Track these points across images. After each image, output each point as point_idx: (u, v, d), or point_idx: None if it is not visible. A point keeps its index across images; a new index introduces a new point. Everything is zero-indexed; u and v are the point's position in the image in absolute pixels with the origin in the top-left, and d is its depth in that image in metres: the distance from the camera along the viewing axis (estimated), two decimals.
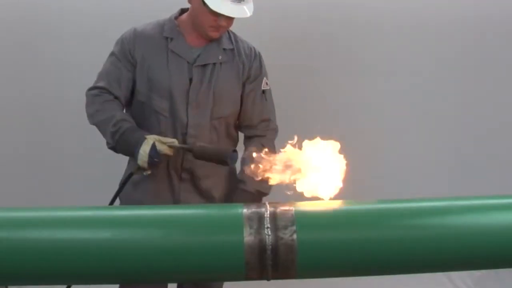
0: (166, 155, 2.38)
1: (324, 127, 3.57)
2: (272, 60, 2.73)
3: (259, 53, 2.64)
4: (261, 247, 1.62)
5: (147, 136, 2.38)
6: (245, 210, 1.68)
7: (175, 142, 2.39)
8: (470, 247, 1.69)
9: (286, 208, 1.69)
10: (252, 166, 1.92)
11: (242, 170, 2.40)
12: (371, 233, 1.69)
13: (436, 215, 1.72)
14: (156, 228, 1.69)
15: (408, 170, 3.67)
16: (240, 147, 2.61)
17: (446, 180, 3.61)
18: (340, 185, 1.86)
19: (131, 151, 2.42)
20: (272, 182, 1.89)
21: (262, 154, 1.92)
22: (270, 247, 1.62)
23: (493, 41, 3.63)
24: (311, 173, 1.85)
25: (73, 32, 3.37)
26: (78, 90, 3.29)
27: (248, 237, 1.63)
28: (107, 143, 2.48)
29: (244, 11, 2.46)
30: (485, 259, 1.73)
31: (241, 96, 2.58)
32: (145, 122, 2.52)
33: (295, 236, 1.63)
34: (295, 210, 1.68)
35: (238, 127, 2.66)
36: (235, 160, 2.37)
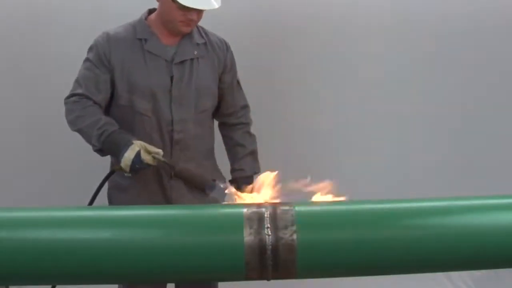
0: (148, 164, 2.41)
1: (323, 127, 3.60)
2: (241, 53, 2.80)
3: (228, 43, 2.72)
4: (261, 247, 1.62)
5: (134, 142, 2.41)
6: (245, 210, 1.68)
7: (160, 153, 2.43)
8: (470, 247, 1.68)
9: (286, 208, 1.69)
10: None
11: (236, 161, 2.71)
12: (371, 233, 1.69)
13: (436, 215, 1.72)
14: (156, 228, 1.69)
15: (408, 170, 3.66)
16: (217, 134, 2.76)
17: (446, 180, 3.61)
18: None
19: (117, 153, 2.44)
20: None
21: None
22: (270, 247, 1.62)
23: (493, 41, 3.63)
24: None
25: (73, 31, 3.37)
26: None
27: (248, 237, 1.63)
28: (93, 146, 2.50)
29: (212, 3, 2.52)
30: (485, 259, 1.73)
31: (219, 88, 2.67)
32: (128, 125, 2.54)
33: (295, 236, 1.63)
34: (295, 210, 1.68)
35: (219, 116, 2.76)
36: (212, 190, 2.42)
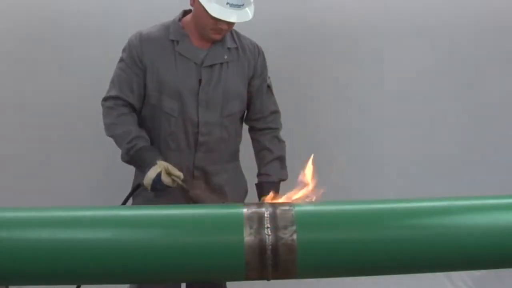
0: (168, 186, 2.47)
1: (324, 127, 3.61)
2: (271, 59, 2.79)
3: (261, 48, 2.72)
4: (261, 247, 1.62)
5: (158, 162, 2.47)
6: (245, 210, 1.68)
7: (180, 177, 2.48)
8: (470, 247, 1.68)
9: (286, 208, 1.69)
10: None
11: (263, 165, 2.68)
12: (371, 233, 1.68)
13: (436, 215, 1.72)
14: (156, 228, 1.69)
15: (408, 170, 3.67)
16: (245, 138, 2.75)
17: (446, 180, 3.61)
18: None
19: (142, 169, 2.52)
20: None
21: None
22: (270, 247, 1.62)
23: (493, 41, 3.63)
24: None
25: (74, 32, 3.37)
26: (78, 90, 3.31)
27: (248, 237, 1.63)
28: (122, 157, 2.58)
29: (243, 15, 2.51)
30: (485, 259, 1.73)
31: (248, 92, 2.67)
32: (156, 124, 2.59)
33: (295, 236, 1.63)
34: (295, 210, 1.68)
35: (247, 120, 2.76)
36: None
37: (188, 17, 2.62)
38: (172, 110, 2.56)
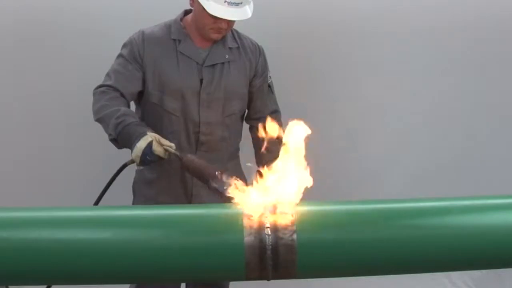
0: (159, 157, 2.37)
1: (324, 127, 3.60)
2: (271, 58, 2.79)
3: (262, 48, 2.72)
4: (261, 247, 1.62)
5: (148, 133, 2.39)
6: (245, 210, 1.68)
7: (172, 147, 2.39)
8: (470, 247, 1.68)
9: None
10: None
11: (262, 165, 2.49)
12: (371, 233, 1.68)
13: (436, 215, 1.72)
14: (156, 228, 1.69)
15: (408, 170, 3.67)
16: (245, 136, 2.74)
17: (446, 180, 3.61)
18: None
19: (130, 143, 2.40)
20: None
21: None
22: (270, 247, 1.62)
23: (493, 41, 3.63)
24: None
25: (73, 31, 3.37)
26: (78, 90, 3.30)
27: (248, 237, 1.63)
28: (109, 135, 2.47)
29: (242, 13, 2.51)
30: (485, 259, 1.73)
31: (249, 92, 2.67)
32: (157, 123, 2.57)
33: (295, 236, 1.63)
34: (295, 210, 1.68)
35: (248, 120, 2.76)
36: (216, 182, 2.37)
37: (189, 17, 2.63)
38: (173, 110, 2.56)
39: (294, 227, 1.64)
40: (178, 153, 2.40)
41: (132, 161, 2.40)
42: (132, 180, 2.72)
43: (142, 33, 2.60)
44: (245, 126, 2.81)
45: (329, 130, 3.60)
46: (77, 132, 3.41)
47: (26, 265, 1.63)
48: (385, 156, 3.66)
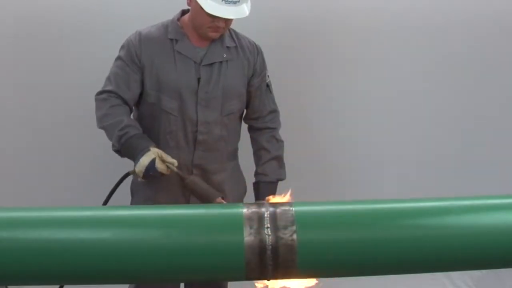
0: (161, 173, 2.43)
1: (323, 127, 3.61)
2: (269, 57, 2.81)
3: (260, 47, 2.72)
4: (261, 247, 1.62)
5: (151, 148, 2.42)
6: (245, 210, 1.68)
7: (174, 163, 2.44)
8: (470, 247, 1.68)
9: (286, 208, 1.69)
10: None
11: (260, 165, 2.68)
12: (371, 233, 1.68)
13: (436, 215, 1.72)
14: (156, 228, 1.68)
15: (408, 170, 3.67)
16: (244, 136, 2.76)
17: (446, 180, 3.61)
18: None
19: (133, 157, 2.46)
20: None
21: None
22: (270, 247, 1.62)
23: (492, 41, 3.63)
24: None
25: (73, 32, 3.37)
26: (78, 90, 3.30)
27: (248, 237, 1.63)
28: (113, 146, 2.51)
29: (240, 12, 2.51)
30: (485, 259, 1.73)
31: (247, 91, 2.68)
32: (155, 122, 2.59)
33: (295, 236, 1.63)
34: (295, 210, 1.68)
35: (246, 119, 2.77)
36: None
37: (186, 16, 2.64)
38: (171, 109, 2.57)
39: (295, 227, 1.64)
40: (180, 173, 2.45)
41: (135, 172, 2.46)
42: (130, 180, 2.73)
43: (139, 33, 2.61)
44: (244, 127, 2.81)
45: (329, 130, 3.60)
46: (77, 132, 3.41)
47: (26, 265, 1.63)
48: (385, 156, 3.66)
